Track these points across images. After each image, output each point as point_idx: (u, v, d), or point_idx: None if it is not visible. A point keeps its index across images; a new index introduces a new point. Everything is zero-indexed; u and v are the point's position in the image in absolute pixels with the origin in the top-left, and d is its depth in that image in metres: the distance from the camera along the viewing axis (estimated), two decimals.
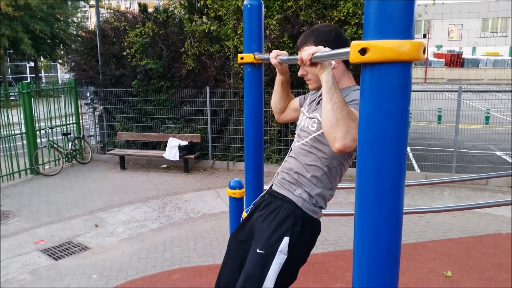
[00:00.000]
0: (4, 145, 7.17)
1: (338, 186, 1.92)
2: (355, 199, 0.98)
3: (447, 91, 9.42)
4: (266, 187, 2.02)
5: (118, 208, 5.67)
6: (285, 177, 1.87)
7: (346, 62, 1.81)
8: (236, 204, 2.63)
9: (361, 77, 0.94)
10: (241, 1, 6.96)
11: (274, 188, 1.92)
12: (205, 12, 7.51)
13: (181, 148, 7.40)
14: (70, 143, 8.23)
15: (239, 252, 1.94)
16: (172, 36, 7.79)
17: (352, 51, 0.92)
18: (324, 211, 1.91)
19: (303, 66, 1.56)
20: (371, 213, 0.93)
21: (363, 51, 0.89)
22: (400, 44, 0.86)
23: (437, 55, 33.28)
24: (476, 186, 6.38)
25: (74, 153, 8.34)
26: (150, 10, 8.88)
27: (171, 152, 7.44)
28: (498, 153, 8.21)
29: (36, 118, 7.73)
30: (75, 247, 4.47)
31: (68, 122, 8.48)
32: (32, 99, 7.63)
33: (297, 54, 1.67)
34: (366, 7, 0.89)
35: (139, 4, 8.57)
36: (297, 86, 6.62)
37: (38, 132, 7.81)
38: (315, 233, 1.86)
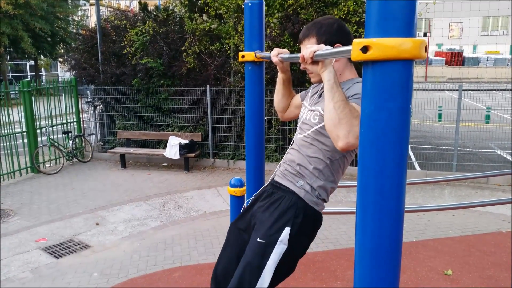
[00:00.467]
0: (4, 144, 7.18)
1: (339, 185, 1.92)
2: (356, 197, 0.98)
3: (447, 90, 9.42)
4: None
5: (118, 207, 5.67)
6: (287, 169, 1.88)
7: None
8: (237, 203, 2.63)
9: (362, 75, 0.95)
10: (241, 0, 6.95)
11: (276, 179, 1.92)
12: (205, 10, 7.50)
13: (181, 147, 7.40)
14: (70, 142, 8.23)
15: (238, 241, 1.95)
16: (172, 34, 7.78)
17: (354, 49, 0.92)
18: (324, 209, 1.92)
19: (305, 64, 1.57)
20: (373, 211, 0.93)
21: (365, 49, 0.89)
22: (402, 42, 0.86)
23: (437, 54, 33.23)
24: (476, 185, 6.38)
25: (74, 151, 8.34)
26: (151, 8, 8.87)
27: (172, 150, 7.44)
28: (498, 151, 8.21)
29: (36, 116, 7.74)
30: (76, 246, 4.48)
31: (68, 121, 8.49)
32: (33, 97, 7.63)
33: (298, 52, 1.67)
34: (368, 5, 0.90)
35: (140, 3, 8.56)
36: (298, 84, 6.62)
37: (38, 131, 7.82)
38: (316, 225, 1.86)
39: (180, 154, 7.39)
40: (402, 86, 0.89)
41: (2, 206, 5.81)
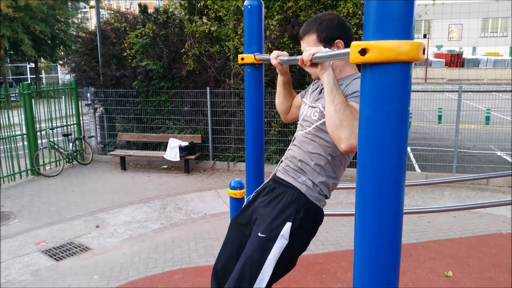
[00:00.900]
0: (5, 146, 7.18)
1: (338, 187, 1.92)
2: (355, 199, 0.99)
3: (447, 91, 9.42)
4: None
5: (119, 209, 5.67)
6: (289, 165, 1.89)
7: None
8: (237, 205, 2.63)
9: (361, 77, 0.95)
10: (241, 2, 6.97)
11: (278, 174, 1.93)
12: (205, 12, 7.52)
13: (181, 149, 7.41)
14: (70, 144, 8.24)
15: (239, 236, 1.95)
16: (172, 36, 7.80)
17: (352, 51, 0.92)
18: (325, 212, 1.92)
19: (304, 66, 1.57)
20: (372, 213, 0.94)
21: (363, 52, 0.90)
22: (400, 44, 0.86)
23: (437, 55, 33.27)
24: (476, 186, 6.38)
25: (74, 154, 8.35)
26: (151, 11, 8.89)
27: (172, 152, 7.45)
28: (498, 153, 8.21)
29: (36, 119, 7.74)
30: (76, 248, 4.48)
31: (68, 123, 8.49)
32: (33, 100, 7.64)
33: (297, 54, 1.68)
34: (366, 7, 0.90)
35: (140, 5, 8.57)
36: (298, 86, 6.62)
37: (38, 133, 7.82)
38: (317, 221, 1.87)
39: (180, 156, 7.40)
40: (400, 88, 0.89)
41: (2, 209, 5.81)
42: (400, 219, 0.95)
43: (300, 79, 6.70)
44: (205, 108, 7.76)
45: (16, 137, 7.40)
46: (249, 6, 2.19)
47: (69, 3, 22.75)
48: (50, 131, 7.88)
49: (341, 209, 5.21)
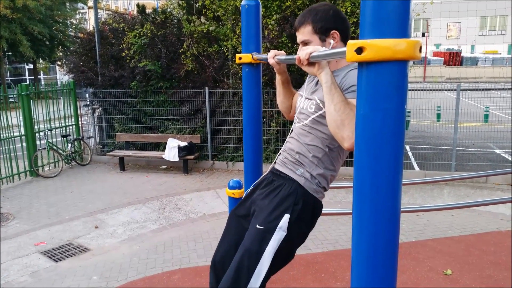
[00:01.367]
0: (3, 147, 7.17)
1: (337, 185, 1.93)
2: (352, 198, 0.99)
3: (446, 90, 9.43)
4: None
5: (118, 209, 5.67)
6: (287, 157, 1.89)
7: (345, 40, 1.80)
8: (235, 204, 2.63)
9: (357, 76, 0.95)
10: (239, 1, 6.96)
11: (276, 167, 1.94)
12: (203, 12, 7.51)
13: (180, 149, 7.40)
14: (69, 145, 8.23)
15: (237, 229, 1.96)
16: (170, 37, 7.79)
17: (349, 50, 0.92)
18: (323, 210, 1.92)
19: (301, 65, 1.57)
20: (369, 211, 0.94)
21: (359, 50, 0.90)
22: (396, 43, 0.86)
23: (435, 54, 33.27)
24: (475, 184, 6.38)
25: (73, 154, 8.34)
26: (149, 11, 8.87)
27: (171, 153, 7.44)
28: (497, 151, 8.22)
29: (35, 120, 7.73)
30: (75, 249, 4.47)
31: (67, 124, 8.48)
32: (31, 101, 7.63)
33: (295, 53, 1.67)
34: (362, 6, 0.90)
35: (138, 5, 8.56)
36: (296, 86, 6.60)
37: (37, 134, 7.81)
38: (315, 213, 1.87)
39: (179, 156, 7.39)
40: (397, 86, 0.89)
41: (1, 210, 5.80)
42: (397, 217, 0.95)
43: (298, 78, 6.70)
44: (204, 108, 7.75)
45: (15, 138, 7.39)
46: (246, 6, 2.19)
47: (67, 4, 22.73)
48: (49, 132, 7.87)
49: (340, 208, 5.21)
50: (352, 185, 0.98)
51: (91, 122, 9.06)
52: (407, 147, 8.39)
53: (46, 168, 7.96)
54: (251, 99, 2.29)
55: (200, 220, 5.22)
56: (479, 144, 8.36)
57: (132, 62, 7.89)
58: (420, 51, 0.91)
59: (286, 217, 1.75)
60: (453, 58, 31.42)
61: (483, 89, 8.59)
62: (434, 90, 8.63)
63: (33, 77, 24.61)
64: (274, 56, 1.89)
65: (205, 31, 7.39)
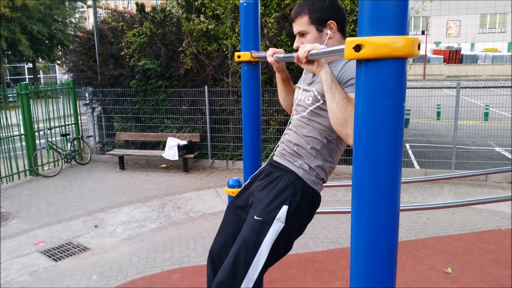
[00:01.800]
0: (3, 147, 7.17)
1: (337, 184, 1.92)
2: (351, 196, 0.98)
3: (445, 88, 9.41)
4: None
5: (117, 209, 5.66)
6: (285, 149, 1.88)
7: (342, 31, 1.79)
8: None
9: (356, 74, 0.94)
10: (238, 0, 6.94)
11: (275, 158, 1.93)
12: (202, 11, 7.49)
13: (180, 148, 7.40)
14: (69, 144, 8.22)
15: (235, 220, 1.96)
16: (170, 35, 7.78)
17: (347, 47, 0.92)
18: (323, 209, 1.91)
19: (300, 64, 1.55)
20: (367, 210, 0.93)
21: (357, 48, 0.89)
22: (395, 40, 0.85)
23: (435, 52, 33.25)
24: (475, 182, 6.38)
25: (73, 153, 8.33)
26: (148, 9, 8.87)
27: (170, 151, 7.43)
28: (497, 149, 8.21)
29: (34, 119, 7.72)
30: (75, 248, 4.47)
31: (66, 123, 8.47)
32: (31, 100, 7.62)
33: (295, 51, 1.66)
34: (361, 4, 0.89)
35: (137, 4, 8.55)
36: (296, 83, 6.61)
37: (37, 133, 7.81)
38: (314, 204, 1.86)
39: (179, 155, 7.39)
40: (395, 84, 0.89)
41: (1, 209, 5.80)
42: (396, 215, 0.94)
43: (298, 77, 6.68)
44: (204, 106, 7.75)
45: (14, 137, 7.38)
46: (245, 4, 2.18)
47: (67, 3, 22.72)
48: (48, 131, 7.86)
49: (340, 207, 5.21)
50: (351, 183, 0.97)
51: (90, 121, 9.05)
52: (407, 145, 8.38)
53: (45, 168, 7.96)
54: (250, 97, 2.29)
55: (200, 219, 5.21)
56: (479, 142, 8.35)
57: (131, 61, 7.88)
58: (419, 48, 0.90)
59: (284, 209, 1.74)
60: (453, 56, 31.41)
61: (483, 87, 8.57)
62: (434, 88, 8.61)
63: (32, 76, 24.61)
64: (272, 54, 1.88)
65: (204, 29, 7.38)
